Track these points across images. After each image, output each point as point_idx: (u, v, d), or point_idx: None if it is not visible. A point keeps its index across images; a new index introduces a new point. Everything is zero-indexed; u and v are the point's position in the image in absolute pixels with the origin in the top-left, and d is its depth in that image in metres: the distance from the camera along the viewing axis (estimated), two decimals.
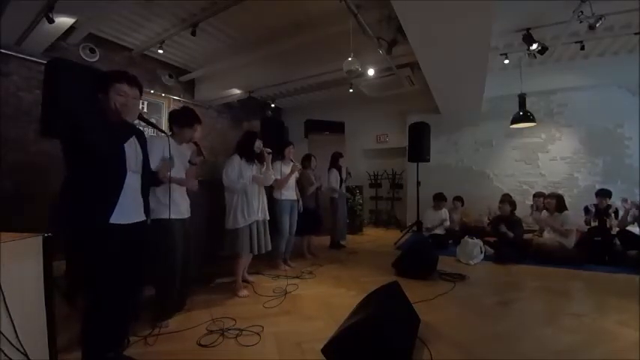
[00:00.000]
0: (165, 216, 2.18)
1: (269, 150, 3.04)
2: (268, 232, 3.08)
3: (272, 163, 3.33)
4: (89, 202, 1.51)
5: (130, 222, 1.64)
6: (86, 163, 1.49)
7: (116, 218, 1.56)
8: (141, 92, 1.72)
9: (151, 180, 1.83)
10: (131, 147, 1.66)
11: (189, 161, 2.32)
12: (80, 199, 1.50)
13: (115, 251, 1.56)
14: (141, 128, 1.89)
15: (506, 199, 4.66)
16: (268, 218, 3.09)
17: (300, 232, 3.91)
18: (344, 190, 5.00)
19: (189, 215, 2.42)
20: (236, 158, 2.87)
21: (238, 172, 2.82)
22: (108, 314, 1.58)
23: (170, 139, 2.39)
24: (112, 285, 1.57)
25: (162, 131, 1.85)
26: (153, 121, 2.20)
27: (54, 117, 2.23)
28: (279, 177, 3.51)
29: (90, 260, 1.53)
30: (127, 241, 1.61)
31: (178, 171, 2.30)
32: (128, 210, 1.62)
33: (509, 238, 4.14)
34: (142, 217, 1.74)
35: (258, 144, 2.97)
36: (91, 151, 1.47)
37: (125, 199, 1.60)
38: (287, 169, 3.63)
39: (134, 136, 1.69)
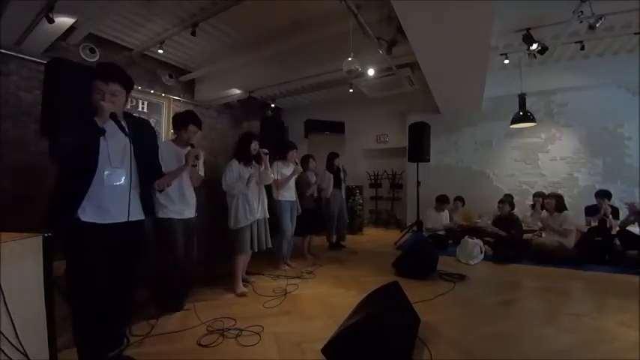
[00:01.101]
0: (162, 215, 2.20)
1: (265, 150, 3.07)
2: (268, 229, 3.14)
3: (271, 163, 3.34)
4: (59, 200, 1.52)
5: (110, 222, 1.56)
6: (59, 162, 1.52)
7: (92, 217, 1.51)
8: (126, 85, 1.65)
9: (150, 176, 1.78)
10: (117, 142, 1.58)
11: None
12: (53, 199, 1.53)
13: (92, 251, 1.51)
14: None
15: (506, 200, 4.66)
16: (268, 217, 3.14)
17: (300, 232, 3.91)
18: (343, 191, 4.99)
19: (192, 216, 2.43)
20: (234, 163, 2.90)
21: (237, 176, 2.86)
22: (90, 315, 1.53)
23: (172, 143, 2.43)
24: (94, 285, 1.52)
25: (127, 135, 1.69)
26: (155, 121, 2.17)
27: (54, 117, 2.23)
28: (278, 178, 3.51)
29: (69, 259, 1.53)
30: (109, 242, 1.55)
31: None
32: (107, 209, 1.55)
33: (507, 238, 4.15)
34: (134, 217, 1.64)
35: (255, 145, 3.00)
36: (59, 145, 1.48)
37: (104, 198, 1.53)
38: (286, 170, 3.64)
39: (124, 130, 1.60)
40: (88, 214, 1.51)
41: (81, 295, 1.54)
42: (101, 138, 1.54)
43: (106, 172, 1.55)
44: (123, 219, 1.59)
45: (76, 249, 1.52)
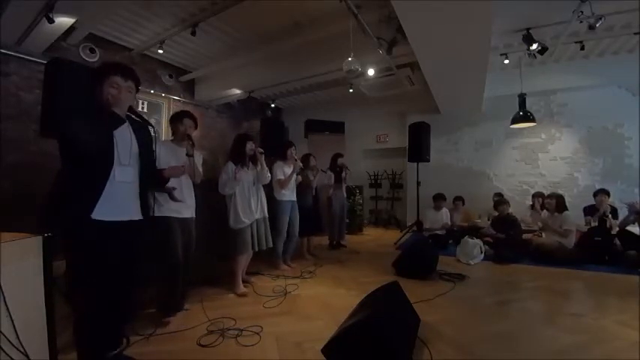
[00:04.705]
0: (159, 214, 2.18)
1: (261, 150, 3.06)
2: (269, 229, 3.15)
3: (274, 163, 3.33)
4: (71, 198, 1.47)
5: (119, 219, 1.56)
6: (72, 158, 1.48)
7: (102, 214, 1.50)
8: (137, 85, 1.70)
9: (152, 176, 1.78)
10: (124, 139, 1.60)
11: (186, 154, 2.33)
12: (64, 196, 1.48)
13: (101, 250, 1.50)
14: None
15: (502, 200, 4.65)
16: (267, 216, 3.15)
17: (300, 232, 3.91)
18: (344, 190, 4.99)
19: (191, 216, 2.42)
20: (229, 165, 2.89)
21: (231, 178, 2.85)
22: (96, 315, 1.52)
23: (169, 141, 2.43)
24: (100, 285, 1.51)
25: (150, 125, 1.75)
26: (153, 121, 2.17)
27: (54, 117, 2.23)
28: (282, 177, 3.51)
29: (75, 259, 1.50)
30: (116, 240, 1.55)
31: None
32: (117, 206, 1.55)
33: (504, 239, 4.15)
34: (136, 216, 1.66)
35: (250, 146, 3.00)
36: (74, 142, 1.45)
37: (113, 195, 1.53)
38: (288, 169, 3.62)
39: (129, 129, 1.64)
40: (98, 211, 1.50)
41: (84, 295, 1.52)
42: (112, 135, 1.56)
43: (116, 169, 1.56)
44: (127, 217, 1.61)
45: (81, 247, 1.49)
